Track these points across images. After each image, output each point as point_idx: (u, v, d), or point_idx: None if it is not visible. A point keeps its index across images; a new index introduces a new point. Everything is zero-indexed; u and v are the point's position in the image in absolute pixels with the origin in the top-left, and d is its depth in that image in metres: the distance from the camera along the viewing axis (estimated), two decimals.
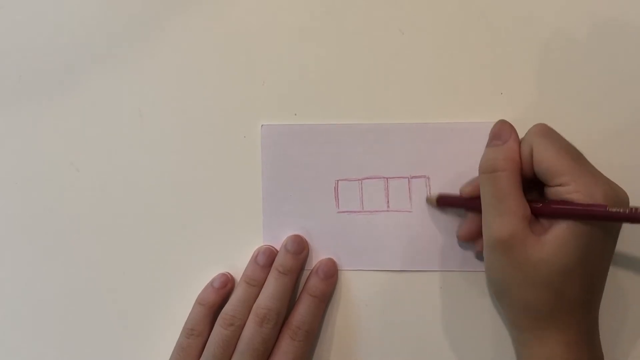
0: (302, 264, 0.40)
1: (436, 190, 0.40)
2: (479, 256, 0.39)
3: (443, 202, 0.39)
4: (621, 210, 0.32)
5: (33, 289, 0.42)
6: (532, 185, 0.36)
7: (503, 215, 0.34)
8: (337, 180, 0.40)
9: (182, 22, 0.42)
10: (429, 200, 0.40)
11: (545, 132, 0.35)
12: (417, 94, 0.40)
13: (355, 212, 0.40)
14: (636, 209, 0.31)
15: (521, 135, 0.36)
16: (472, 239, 0.38)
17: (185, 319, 0.40)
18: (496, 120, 0.39)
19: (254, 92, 0.41)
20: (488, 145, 0.37)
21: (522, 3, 0.40)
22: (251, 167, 0.41)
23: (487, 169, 0.36)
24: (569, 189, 0.33)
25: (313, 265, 0.40)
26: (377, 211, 0.40)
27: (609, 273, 0.36)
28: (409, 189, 0.40)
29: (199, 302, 0.40)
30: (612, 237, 0.35)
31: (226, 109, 0.41)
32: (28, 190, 0.42)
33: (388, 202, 0.40)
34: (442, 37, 0.41)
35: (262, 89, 0.41)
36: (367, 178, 0.40)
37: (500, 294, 0.36)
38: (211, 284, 0.40)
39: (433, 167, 0.40)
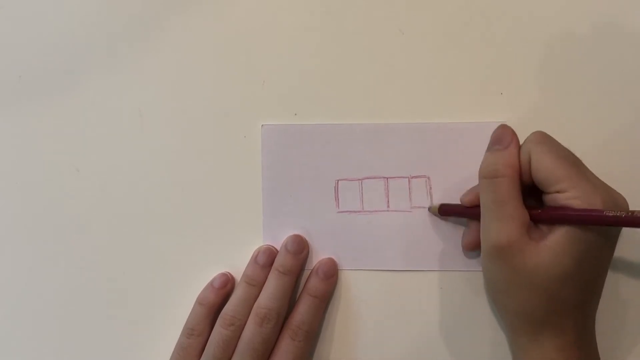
0: (302, 264, 0.40)
1: (436, 190, 0.40)
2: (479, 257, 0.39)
3: (445, 212, 0.39)
4: (618, 214, 0.31)
5: (33, 288, 0.42)
6: (531, 192, 0.36)
7: (502, 221, 0.34)
8: (337, 180, 0.40)
9: (182, 22, 0.42)
10: (431, 210, 0.40)
11: (543, 140, 0.35)
12: (417, 94, 0.40)
13: (355, 212, 0.40)
14: (633, 212, 0.31)
15: (521, 139, 0.36)
16: (476, 247, 0.38)
17: (185, 319, 0.40)
18: (496, 120, 0.39)
19: (254, 92, 0.41)
20: (489, 149, 0.37)
21: (522, 3, 0.40)
22: (251, 167, 0.41)
23: (487, 174, 0.35)
24: (567, 195, 0.33)
25: (313, 265, 0.40)
26: (377, 211, 0.40)
27: (607, 275, 0.36)
28: (409, 189, 0.40)
29: (199, 302, 0.40)
30: (610, 242, 0.35)
31: (226, 109, 0.41)
32: (28, 190, 0.42)
33: (388, 202, 0.40)
34: (442, 37, 0.41)
35: (262, 89, 0.41)
36: (367, 178, 0.40)
37: (497, 297, 0.37)
38: (211, 283, 0.40)
39: (433, 167, 0.40)
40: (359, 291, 0.40)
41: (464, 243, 0.39)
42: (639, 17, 0.40)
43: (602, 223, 0.32)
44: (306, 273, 0.40)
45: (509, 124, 0.39)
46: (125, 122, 0.42)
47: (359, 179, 0.40)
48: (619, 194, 0.34)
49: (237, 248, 0.41)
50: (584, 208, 0.32)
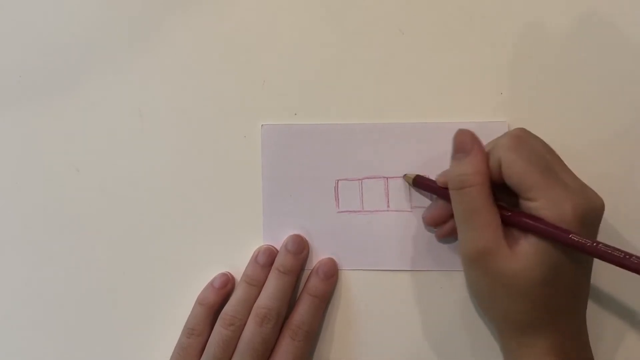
0: (302, 264, 0.40)
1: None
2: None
3: (419, 184, 0.39)
4: (583, 241, 0.31)
5: (33, 288, 0.42)
6: (505, 189, 0.35)
7: (476, 230, 0.34)
8: (337, 180, 0.40)
9: (182, 22, 0.42)
10: (406, 178, 0.39)
11: (514, 145, 0.34)
12: (417, 93, 0.40)
13: (355, 212, 0.40)
14: (597, 243, 0.31)
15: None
16: (436, 224, 0.39)
17: (186, 319, 0.40)
18: (496, 120, 0.39)
19: (254, 92, 0.41)
20: (453, 157, 0.36)
21: (522, 3, 0.40)
22: (251, 167, 0.41)
23: (456, 185, 0.35)
24: (537, 205, 0.33)
25: (313, 265, 0.40)
26: (377, 211, 0.40)
27: (605, 279, 0.35)
28: (409, 188, 0.40)
29: (199, 302, 0.40)
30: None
31: (226, 109, 0.41)
32: (28, 190, 0.42)
33: (388, 202, 0.40)
34: (442, 37, 0.41)
35: (262, 89, 0.41)
36: (367, 178, 0.40)
37: (482, 304, 0.37)
38: (211, 283, 0.40)
39: (433, 167, 0.40)
40: (359, 291, 0.40)
41: (425, 215, 0.39)
42: (639, 17, 0.40)
43: (567, 244, 0.32)
44: (306, 273, 0.40)
45: (509, 123, 0.40)
46: (125, 122, 0.42)
47: (358, 179, 0.40)
48: (596, 195, 0.34)
49: (237, 248, 0.41)
50: (553, 222, 0.32)
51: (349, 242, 0.40)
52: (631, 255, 0.30)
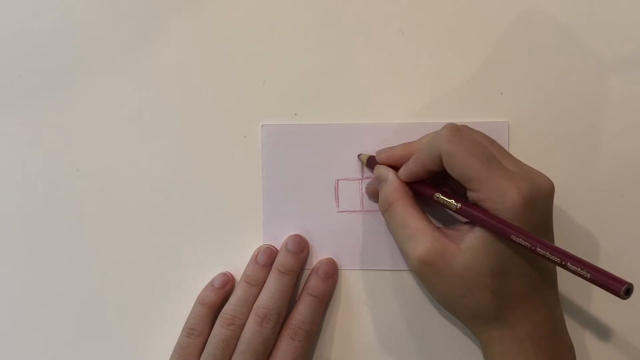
0: (302, 264, 0.40)
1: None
2: None
3: (371, 165, 0.39)
4: (523, 243, 0.31)
5: (33, 288, 0.42)
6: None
7: (412, 239, 0.35)
8: (337, 180, 0.40)
9: (182, 21, 0.42)
10: (361, 157, 0.40)
11: (452, 138, 0.34)
12: (417, 94, 0.40)
13: (355, 211, 0.40)
14: (536, 245, 0.31)
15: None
16: (374, 195, 0.39)
17: (185, 319, 0.40)
18: (496, 120, 0.39)
19: (254, 92, 0.41)
20: (378, 188, 0.38)
21: (523, 3, 0.40)
22: (251, 167, 0.41)
23: (384, 207, 0.37)
24: (480, 195, 0.33)
25: (313, 265, 0.40)
26: (377, 211, 0.40)
27: None
28: None
29: (199, 301, 0.40)
30: None
31: (226, 109, 0.41)
32: (28, 190, 0.42)
33: None
34: (442, 37, 0.41)
35: (262, 89, 0.41)
36: (367, 178, 0.40)
37: (446, 307, 0.37)
38: (211, 283, 0.40)
39: None
40: (359, 291, 0.40)
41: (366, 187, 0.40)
42: (639, 17, 0.40)
43: (508, 240, 0.32)
44: (306, 273, 0.40)
45: (509, 124, 0.39)
46: (125, 122, 0.42)
47: (359, 179, 0.40)
48: (543, 177, 0.34)
49: (237, 248, 0.41)
50: (497, 217, 0.32)
51: (349, 242, 0.40)
52: (568, 260, 0.30)
